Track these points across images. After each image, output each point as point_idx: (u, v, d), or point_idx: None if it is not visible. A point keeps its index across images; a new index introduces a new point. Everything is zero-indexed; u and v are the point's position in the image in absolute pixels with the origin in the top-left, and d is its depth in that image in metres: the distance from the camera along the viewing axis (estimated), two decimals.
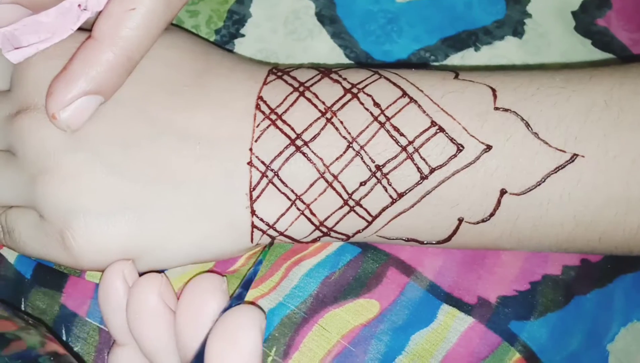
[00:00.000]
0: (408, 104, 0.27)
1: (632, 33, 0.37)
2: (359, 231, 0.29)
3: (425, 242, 0.29)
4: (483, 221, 0.28)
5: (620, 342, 0.32)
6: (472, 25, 0.36)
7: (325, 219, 0.28)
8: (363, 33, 0.36)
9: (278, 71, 0.30)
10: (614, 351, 0.32)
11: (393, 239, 0.29)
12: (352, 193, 0.28)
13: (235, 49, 0.36)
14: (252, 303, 0.29)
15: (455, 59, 0.36)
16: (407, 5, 0.36)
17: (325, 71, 0.29)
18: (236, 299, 0.26)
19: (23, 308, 0.31)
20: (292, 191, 0.28)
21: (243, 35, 0.36)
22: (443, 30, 0.36)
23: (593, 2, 0.37)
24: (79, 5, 0.27)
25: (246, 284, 0.27)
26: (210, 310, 0.26)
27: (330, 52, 0.36)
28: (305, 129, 0.27)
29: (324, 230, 0.29)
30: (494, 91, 0.28)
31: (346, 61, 0.36)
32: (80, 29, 0.28)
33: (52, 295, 0.31)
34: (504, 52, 0.36)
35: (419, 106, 0.27)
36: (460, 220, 0.28)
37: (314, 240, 0.30)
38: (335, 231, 0.29)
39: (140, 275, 0.28)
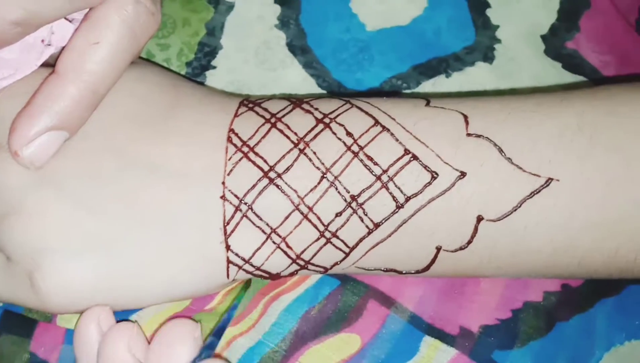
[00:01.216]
0: (380, 132, 0.27)
1: (601, 55, 0.37)
2: (336, 263, 0.28)
3: (404, 272, 0.28)
4: (461, 248, 0.27)
5: None
6: (442, 52, 0.36)
7: (302, 252, 0.28)
8: (335, 62, 0.36)
9: (249, 102, 0.29)
10: None
11: (372, 270, 0.29)
12: (328, 224, 0.27)
13: (207, 81, 0.35)
14: (219, 356, 0.29)
15: (427, 86, 0.36)
16: (378, 33, 0.36)
17: (296, 101, 0.29)
18: (207, 348, 0.25)
19: None
20: (267, 224, 0.27)
21: (214, 67, 0.36)
22: (414, 58, 0.36)
23: (562, 26, 0.37)
24: (42, 41, 0.27)
25: (218, 332, 0.26)
26: (180, 360, 0.25)
27: (302, 82, 0.35)
28: (278, 161, 0.27)
29: (301, 263, 0.28)
30: (465, 117, 0.27)
31: (319, 90, 0.35)
32: (44, 64, 0.28)
33: (20, 343, 0.30)
34: (475, 77, 0.36)
35: (392, 134, 0.27)
36: (439, 249, 0.27)
37: (292, 274, 0.29)
38: (313, 264, 0.28)
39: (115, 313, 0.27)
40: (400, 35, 0.36)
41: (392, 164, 0.27)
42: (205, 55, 0.36)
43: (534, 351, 0.31)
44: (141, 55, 0.35)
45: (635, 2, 0.38)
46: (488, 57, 0.36)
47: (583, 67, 0.37)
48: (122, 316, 0.29)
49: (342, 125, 0.27)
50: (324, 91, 0.35)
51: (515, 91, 0.36)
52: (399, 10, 0.37)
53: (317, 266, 0.28)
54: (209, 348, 0.25)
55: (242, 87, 0.35)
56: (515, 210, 0.26)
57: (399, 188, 0.27)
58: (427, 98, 0.29)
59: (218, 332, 0.26)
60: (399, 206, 0.27)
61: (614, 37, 0.37)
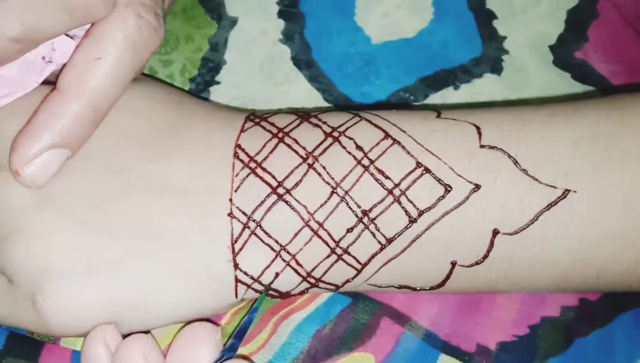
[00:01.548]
0: (391, 145, 0.27)
1: (610, 65, 0.37)
2: (348, 281, 0.27)
3: (418, 288, 0.28)
4: (477, 263, 0.26)
5: None
6: (449, 64, 0.36)
7: (313, 269, 0.27)
8: (340, 76, 0.35)
9: (255, 117, 0.29)
10: None
11: (385, 287, 0.28)
12: (339, 240, 0.26)
13: (211, 96, 0.35)
14: (244, 357, 0.28)
15: (435, 99, 0.35)
16: (383, 46, 0.36)
17: (304, 115, 0.28)
18: (228, 350, 0.25)
19: None
20: (276, 241, 0.26)
21: (218, 83, 0.35)
22: (421, 70, 0.35)
23: (570, 36, 0.37)
24: (43, 58, 0.26)
25: (240, 334, 0.26)
26: (202, 361, 0.24)
27: (308, 96, 0.35)
28: (287, 177, 0.26)
29: (312, 280, 0.27)
30: (478, 128, 0.27)
31: (325, 104, 0.35)
32: (45, 82, 0.27)
33: None
34: (484, 89, 0.35)
35: (403, 147, 0.26)
36: (454, 264, 0.27)
37: (302, 292, 0.28)
38: (324, 282, 0.27)
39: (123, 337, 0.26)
40: (406, 48, 0.36)
41: (404, 178, 0.26)
42: (209, 70, 0.35)
43: None
44: (144, 71, 0.35)
45: None
46: (496, 69, 0.36)
47: (592, 77, 0.36)
48: None
49: (351, 138, 0.27)
50: (330, 105, 0.35)
51: (525, 102, 0.35)
52: (404, 23, 0.36)
53: (328, 283, 0.27)
54: (230, 350, 0.25)
55: (247, 102, 0.35)
56: (532, 223, 0.26)
57: (411, 202, 0.26)
58: (438, 110, 0.28)
59: (240, 334, 0.26)
60: (412, 221, 0.26)
61: (622, 46, 0.37)
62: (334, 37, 0.36)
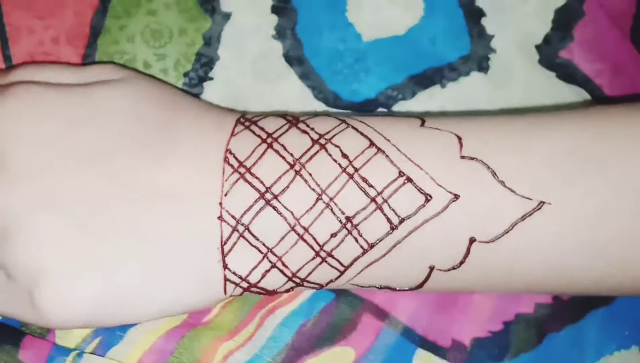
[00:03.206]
0: (376, 154, 0.28)
1: (594, 64, 0.37)
2: (332, 281, 0.29)
3: (398, 289, 0.29)
4: (454, 268, 0.28)
5: None
6: (438, 62, 0.36)
7: (298, 270, 0.28)
8: (331, 73, 0.36)
9: (246, 120, 0.29)
10: None
11: (366, 287, 0.29)
12: (324, 244, 0.28)
13: (205, 91, 0.35)
14: None
15: (422, 97, 0.36)
16: (374, 43, 0.36)
17: (293, 119, 0.29)
18: None
19: None
20: (264, 244, 0.28)
21: (211, 78, 0.36)
22: (410, 68, 0.36)
23: (556, 35, 0.37)
24: None
25: None
26: None
27: (299, 93, 0.36)
28: (275, 182, 0.27)
29: (297, 280, 0.29)
30: (460, 139, 0.28)
31: (315, 101, 0.36)
32: None
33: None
34: (470, 87, 0.36)
35: (387, 156, 0.27)
36: (432, 268, 0.28)
37: (287, 290, 0.29)
38: (308, 281, 0.29)
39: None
40: (396, 46, 0.36)
41: (386, 186, 0.27)
42: (202, 65, 0.36)
43: None
44: (138, 67, 0.35)
45: (629, 11, 0.38)
46: (483, 67, 0.37)
47: (576, 76, 0.37)
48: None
49: (337, 146, 0.28)
50: (321, 102, 0.36)
51: (509, 101, 0.36)
52: (395, 20, 0.37)
53: (312, 283, 0.29)
54: None
55: (239, 97, 0.35)
56: (507, 232, 0.27)
57: (393, 210, 0.27)
58: (422, 118, 0.29)
59: None
60: (393, 228, 0.27)
61: (607, 46, 0.37)
62: (325, 34, 0.36)
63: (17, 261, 0.27)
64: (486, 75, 0.36)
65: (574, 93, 0.37)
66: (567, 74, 0.37)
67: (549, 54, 0.37)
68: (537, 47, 0.37)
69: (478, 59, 0.37)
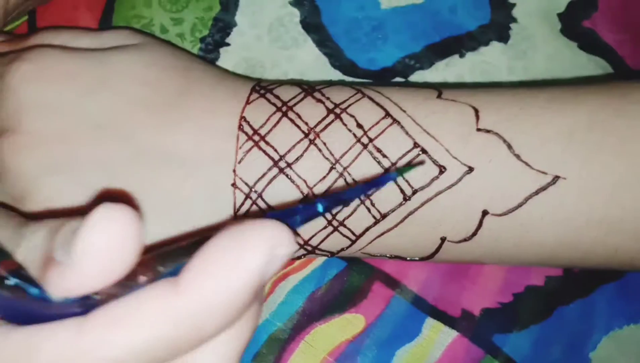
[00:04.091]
0: (391, 125, 0.27)
1: (617, 34, 0.37)
2: (343, 249, 0.29)
3: (408, 259, 0.29)
4: (465, 240, 0.28)
5: (602, 350, 0.33)
6: (457, 31, 0.36)
7: (310, 238, 0.28)
8: (348, 41, 0.35)
9: (261, 88, 0.29)
10: (596, 359, 0.33)
11: (377, 256, 0.29)
12: (336, 213, 0.28)
13: (221, 57, 0.35)
14: None
15: (440, 66, 0.36)
16: (392, 11, 0.36)
17: (308, 88, 0.29)
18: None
19: None
20: None
21: (228, 45, 0.36)
22: (428, 37, 0.36)
23: (579, 4, 0.37)
24: None
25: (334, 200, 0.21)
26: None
27: (315, 60, 0.35)
28: (289, 151, 0.27)
29: (309, 248, 0.29)
30: (476, 111, 0.28)
31: (331, 69, 0.35)
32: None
33: None
34: (490, 57, 0.36)
35: (402, 127, 0.27)
36: (443, 239, 0.28)
37: (299, 257, 0.30)
38: (320, 249, 0.29)
39: None
40: (414, 14, 0.36)
41: (401, 157, 0.27)
42: (219, 31, 0.36)
43: (533, 334, 0.32)
44: (154, 32, 0.35)
45: None
46: (503, 37, 0.36)
47: (599, 46, 0.36)
48: None
49: (352, 116, 0.28)
50: (337, 70, 0.35)
51: (529, 71, 0.36)
52: None
53: (323, 251, 0.29)
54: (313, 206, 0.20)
55: (255, 64, 0.35)
56: (520, 206, 0.27)
57: (406, 181, 0.27)
58: (439, 89, 0.29)
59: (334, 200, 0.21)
60: (406, 199, 0.27)
61: (631, 16, 0.37)
62: (344, 1, 0.36)
63: None
64: (506, 45, 0.36)
65: (596, 64, 0.36)
66: (590, 44, 0.36)
67: (572, 23, 0.36)
68: (560, 15, 0.36)
69: (498, 28, 0.36)
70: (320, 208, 0.20)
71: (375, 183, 0.21)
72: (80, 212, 0.24)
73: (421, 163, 0.27)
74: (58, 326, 0.18)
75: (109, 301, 0.18)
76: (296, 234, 0.27)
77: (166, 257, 0.19)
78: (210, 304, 0.17)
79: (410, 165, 0.26)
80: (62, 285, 0.18)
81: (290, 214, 0.20)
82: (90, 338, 0.18)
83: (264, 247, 0.17)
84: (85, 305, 0.18)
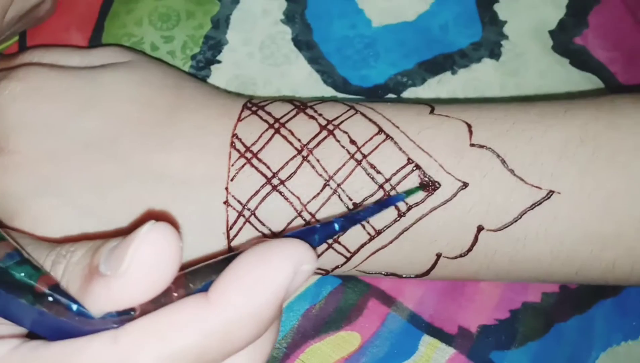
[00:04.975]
0: (384, 141, 0.27)
1: (609, 51, 0.37)
2: (338, 267, 0.29)
3: (404, 276, 0.29)
4: (461, 256, 0.28)
5: None
6: (448, 48, 0.36)
7: None
8: (340, 58, 0.36)
9: (252, 105, 0.29)
10: None
11: (372, 273, 0.29)
12: None
13: (212, 75, 0.35)
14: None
15: (432, 83, 0.36)
16: (384, 29, 0.36)
17: (300, 105, 0.29)
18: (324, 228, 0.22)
19: None
20: (270, 229, 0.27)
21: (219, 62, 0.36)
22: (420, 54, 0.36)
23: (570, 21, 0.37)
24: None
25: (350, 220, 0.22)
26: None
27: (307, 77, 0.35)
28: (282, 168, 0.27)
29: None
30: (469, 126, 0.27)
31: (324, 86, 0.35)
32: None
33: None
34: (481, 74, 0.36)
35: (395, 142, 0.27)
36: (439, 255, 0.28)
37: None
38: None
39: None
40: (406, 32, 0.36)
41: (395, 173, 0.27)
42: (210, 48, 0.36)
43: (531, 351, 0.31)
44: (145, 49, 0.35)
45: None
46: (495, 54, 0.36)
47: (590, 63, 0.36)
48: None
49: (345, 132, 0.28)
50: (329, 87, 0.35)
51: (521, 88, 0.36)
52: (405, 6, 0.36)
53: (318, 269, 0.29)
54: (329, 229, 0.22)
55: (247, 81, 0.35)
56: (515, 221, 0.27)
57: None
58: (432, 105, 0.29)
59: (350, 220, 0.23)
60: (401, 215, 0.27)
61: (621, 33, 0.37)
62: (335, 19, 0.36)
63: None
64: (498, 61, 0.36)
65: (587, 81, 0.36)
66: (581, 60, 0.36)
67: (564, 40, 0.37)
68: (551, 33, 0.37)
69: (490, 45, 0.36)
70: (337, 227, 0.22)
71: (388, 202, 0.23)
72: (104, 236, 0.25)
73: (434, 186, 0.27)
74: (94, 337, 0.19)
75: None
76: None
77: (196, 274, 0.20)
78: (239, 317, 0.19)
79: (420, 186, 0.27)
80: (106, 296, 0.19)
81: (310, 234, 0.21)
82: (126, 347, 0.19)
83: (290, 263, 0.19)
84: (123, 321, 0.19)
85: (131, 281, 0.19)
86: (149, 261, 0.19)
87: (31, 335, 0.21)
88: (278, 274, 0.19)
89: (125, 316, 0.19)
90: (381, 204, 0.23)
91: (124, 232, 0.21)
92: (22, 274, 0.20)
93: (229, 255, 0.20)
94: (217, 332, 0.19)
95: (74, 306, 0.19)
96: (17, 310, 0.20)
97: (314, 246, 0.20)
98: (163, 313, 0.19)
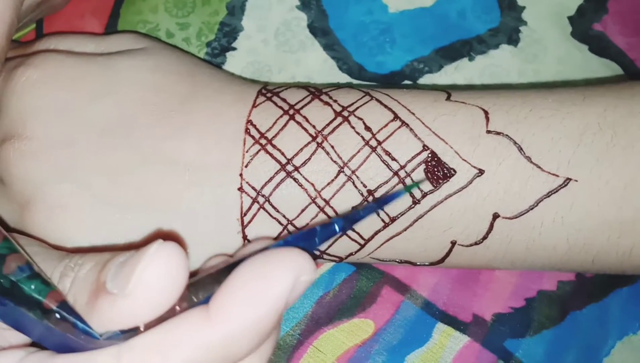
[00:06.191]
0: (399, 127, 0.27)
1: (628, 37, 0.36)
2: (352, 254, 0.29)
3: (418, 263, 0.29)
4: (476, 243, 0.27)
5: (616, 356, 0.32)
6: (466, 34, 0.36)
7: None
8: (356, 45, 0.35)
9: (267, 91, 0.29)
10: None
11: (386, 260, 0.29)
12: None
13: (227, 62, 0.35)
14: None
15: (449, 70, 0.35)
16: (400, 15, 0.36)
17: (315, 91, 0.29)
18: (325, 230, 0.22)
19: None
20: (284, 216, 0.27)
21: (235, 49, 0.36)
22: (437, 41, 0.35)
23: (590, 7, 0.36)
24: None
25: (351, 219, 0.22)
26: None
27: (322, 64, 0.35)
28: (296, 154, 0.27)
29: (317, 253, 0.28)
30: (486, 113, 0.27)
31: (339, 73, 0.35)
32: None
33: None
34: (499, 61, 0.35)
35: (411, 129, 0.27)
36: (453, 243, 0.28)
37: None
38: (328, 254, 0.29)
39: None
40: (423, 17, 0.36)
41: (410, 160, 0.27)
42: (225, 35, 0.36)
43: (546, 339, 0.31)
44: (160, 36, 0.35)
45: None
46: (513, 40, 0.36)
47: (609, 49, 0.36)
48: None
49: (360, 119, 0.27)
50: (345, 74, 0.35)
51: (539, 74, 0.36)
52: None
53: (332, 256, 0.29)
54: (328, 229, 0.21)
55: (261, 68, 0.35)
56: (531, 209, 0.26)
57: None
58: (448, 91, 0.29)
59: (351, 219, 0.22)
60: (416, 202, 0.27)
61: None
62: (351, 5, 0.36)
63: (37, 232, 0.27)
64: (516, 48, 0.36)
65: (606, 67, 0.36)
66: (600, 47, 0.36)
67: (583, 26, 0.36)
68: (570, 19, 0.36)
69: (508, 31, 0.36)
70: (337, 228, 0.21)
71: (388, 199, 0.23)
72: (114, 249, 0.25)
73: (449, 173, 0.27)
74: (98, 353, 0.19)
75: None
76: (315, 256, 0.28)
77: (198, 286, 0.20)
78: (239, 330, 0.19)
79: (415, 182, 0.27)
80: (112, 315, 0.19)
81: (310, 237, 0.21)
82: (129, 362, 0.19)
83: (289, 275, 0.19)
84: (127, 337, 0.19)
85: (137, 301, 0.19)
86: (155, 283, 0.19)
87: (35, 343, 0.22)
88: (277, 286, 0.19)
89: (129, 333, 0.20)
90: (380, 203, 0.22)
91: (134, 247, 0.21)
92: (32, 287, 0.20)
93: (230, 264, 0.20)
94: (218, 345, 0.19)
95: (80, 325, 0.20)
96: (25, 322, 0.20)
97: (314, 249, 0.21)
98: (165, 328, 0.19)
